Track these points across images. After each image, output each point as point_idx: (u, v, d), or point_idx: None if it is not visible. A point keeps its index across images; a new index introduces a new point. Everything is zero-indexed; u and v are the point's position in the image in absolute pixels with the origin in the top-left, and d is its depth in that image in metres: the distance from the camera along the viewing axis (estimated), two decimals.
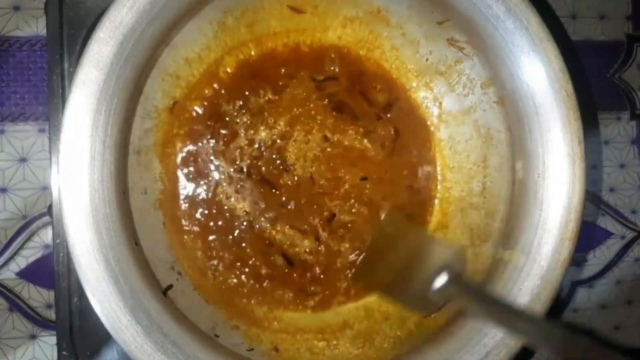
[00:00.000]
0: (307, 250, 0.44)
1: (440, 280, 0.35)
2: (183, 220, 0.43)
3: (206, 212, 0.43)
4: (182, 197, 0.43)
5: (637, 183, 0.56)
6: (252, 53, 0.44)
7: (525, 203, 0.38)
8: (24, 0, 0.45)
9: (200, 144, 0.43)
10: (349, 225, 0.45)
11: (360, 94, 0.45)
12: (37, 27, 0.45)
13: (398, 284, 0.38)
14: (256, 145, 0.44)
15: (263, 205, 0.44)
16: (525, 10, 0.37)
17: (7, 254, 0.45)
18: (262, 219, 0.44)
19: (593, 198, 0.55)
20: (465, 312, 0.38)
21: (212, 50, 0.43)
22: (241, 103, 0.44)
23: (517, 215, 0.39)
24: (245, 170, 0.44)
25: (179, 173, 0.43)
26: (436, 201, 0.46)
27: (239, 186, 0.44)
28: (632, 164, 0.56)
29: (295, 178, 0.44)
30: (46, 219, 0.45)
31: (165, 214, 0.42)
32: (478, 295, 0.35)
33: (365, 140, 0.45)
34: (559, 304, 0.38)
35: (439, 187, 0.46)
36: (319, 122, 0.45)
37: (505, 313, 0.33)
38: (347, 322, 0.44)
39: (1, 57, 0.45)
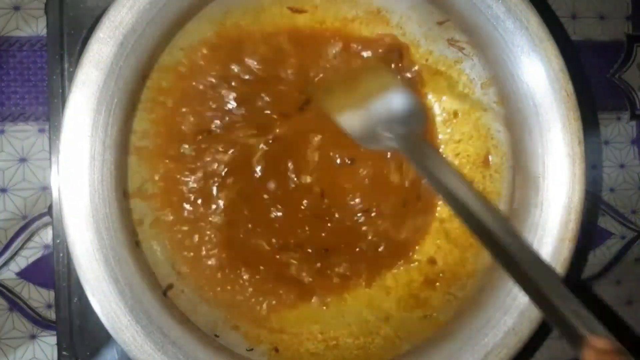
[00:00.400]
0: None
1: (392, 121, 0.35)
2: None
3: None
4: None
5: (637, 183, 0.56)
6: None
7: (525, 203, 0.38)
8: (24, 0, 0.45)
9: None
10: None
11: None
12: (37, 27, 0.45)
13: (350, 106, 0.39)
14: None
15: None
16: (525, 10, 0.37)
17: (7, 254, 0.45)
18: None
19: (593, 198, 0.55)
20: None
21: None
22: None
23: (517, 215, 0.39)
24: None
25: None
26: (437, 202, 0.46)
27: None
28: (632, 164, 0.56)
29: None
30: (46, 219, 0.45)
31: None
32: (422, 151, 0.35)
33: None
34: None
35: None
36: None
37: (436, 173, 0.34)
38: (347, 322, 0.43)
39: (1, 57, 0.45)
